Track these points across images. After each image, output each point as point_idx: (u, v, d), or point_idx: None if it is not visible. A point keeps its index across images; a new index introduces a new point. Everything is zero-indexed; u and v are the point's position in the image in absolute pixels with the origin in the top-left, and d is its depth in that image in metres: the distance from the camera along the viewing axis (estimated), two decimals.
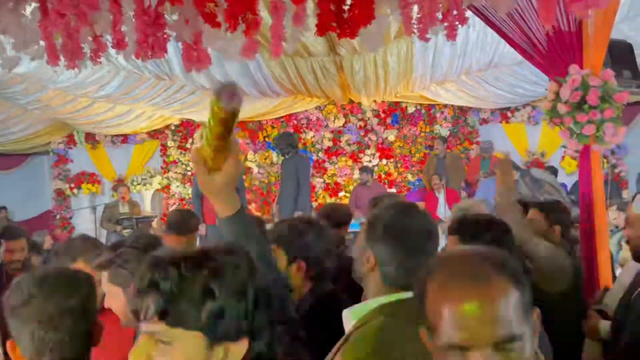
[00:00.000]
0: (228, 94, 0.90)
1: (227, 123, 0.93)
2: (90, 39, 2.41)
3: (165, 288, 0.79)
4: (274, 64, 6.24)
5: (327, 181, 8.34)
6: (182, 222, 2.96)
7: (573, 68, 2.69)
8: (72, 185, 8.63)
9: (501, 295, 0.75)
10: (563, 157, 7.47)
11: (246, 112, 7.68)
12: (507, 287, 0.76)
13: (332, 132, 8.30)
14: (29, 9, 2.47)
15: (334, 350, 1.16)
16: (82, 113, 7.17)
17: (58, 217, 8.63)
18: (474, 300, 0.74)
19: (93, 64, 2.45)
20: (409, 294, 1.19)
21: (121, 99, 6.78)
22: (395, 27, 5.07)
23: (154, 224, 6.88)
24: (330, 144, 8.32)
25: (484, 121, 8.15)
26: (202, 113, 7.67)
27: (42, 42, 2.49)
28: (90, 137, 8.58)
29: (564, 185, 6.44)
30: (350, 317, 1.20)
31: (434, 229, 1.27)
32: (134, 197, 7.88)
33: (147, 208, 8.29)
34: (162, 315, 0.79)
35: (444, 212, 6.45)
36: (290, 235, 1.62)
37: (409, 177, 8.22)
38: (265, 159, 8.45)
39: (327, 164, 8.34)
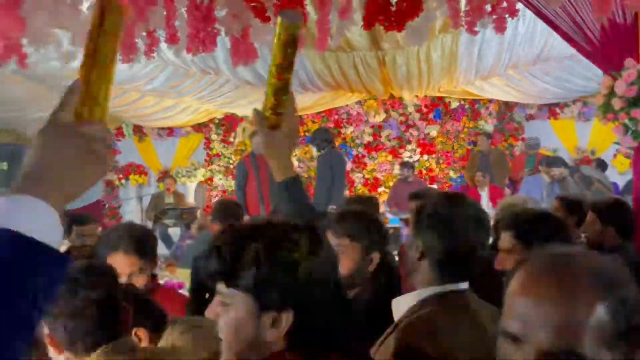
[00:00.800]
0: (290, 14, 1.02)
1: (287, 47, 0.99)
2: (144, 34, 2.50)
3: (224, 251, 0.89)
4: (316, 59, 6.27)
5: (367, 176, 8.33)
6: (227, 211, 3.03)
7: (629, 62, 2.59)
8: (121, 176, 8.95)
9: (580, 307, 0.67)
10: (615, 155, 7.18)
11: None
12: (594, 302, 0.67)
13: (372, 127, 8.27)
14: (85, 4, 2.58)
15: (382, 337, 1.17)
16: (132, 106, 7.41)
17: (107, 206, 8.96)
18: (546, 297, 0.68)
19: (146, 59, 2.54)
20: (457, 285, 1.20)
21: (168, 93, 6.96)
22: (440, 21, 5.00)
23: (198, 214, 7.05)
24: (370, 139, 8.30)
25: (531, 117, 7.93)
26: (245, 107, 7.80)
27: None
28: (138, 130, 8.86)
29: (615, 184, 6.21)
30: (399, 306, 1.22)
31: (483, 217, 1.26)
32: (178, 189, 8.11)
33: (190, 199, 8.50)
34: (221, 275, 0.90)
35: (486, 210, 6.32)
36: (368, 228, 1.60)
37: (451, 173, 8.10)
38: (305, 153, 8.51)
39: (366, 159, 8.32)
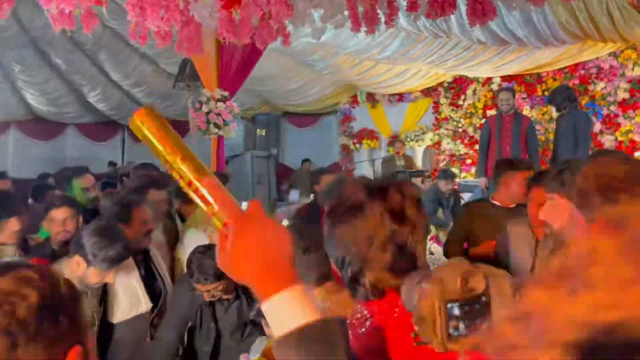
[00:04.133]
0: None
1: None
2: (385, 4, 2.66)
3: None
4: (560, 9, 5.64)
5: (620, 139, 7.27)
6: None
7: None
8: (355, 140, 9.66)
9: None
10: None
11: (524, 64, 7.21)
12: None
13: (629, 81, 7.13)
14: None
15: None
16: (365, 75, 7.87)
17: (343, 169, 9.81)
18: None
19: (387, 28, 2.70)
20: None
21: (400, 60, 7.17)
22: None
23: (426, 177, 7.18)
24: (626, 95, 7.18)
25: None
26: (475, 69, 7.54)
27: (345, 12, 2.85)
28: (370, 97, 9.38)
29: None
30: None
31: None
32: (407, 152, 8.38)
33: (418, 163, 8.70)
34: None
35: None
36: None
37: None
38: (543, 114, 7.83)
39: (620, 119, 7.25)
